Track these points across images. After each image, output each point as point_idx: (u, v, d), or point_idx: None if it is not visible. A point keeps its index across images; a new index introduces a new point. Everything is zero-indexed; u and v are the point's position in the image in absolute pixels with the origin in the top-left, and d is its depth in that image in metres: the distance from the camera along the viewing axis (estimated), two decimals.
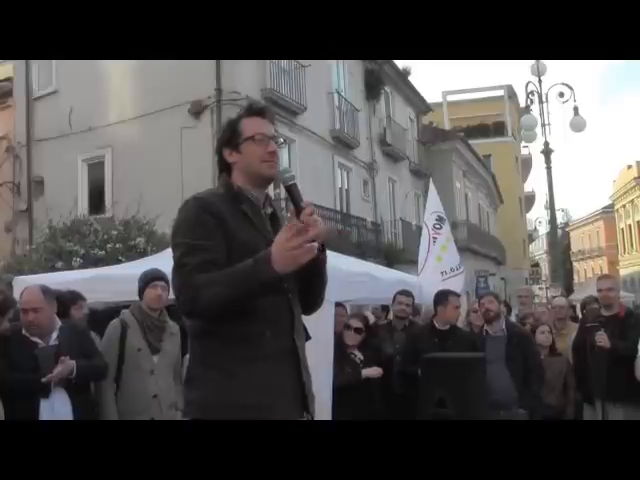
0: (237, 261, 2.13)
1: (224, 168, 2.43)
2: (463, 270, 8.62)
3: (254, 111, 2.42)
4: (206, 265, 2.15)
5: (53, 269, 9.05)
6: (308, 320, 2.50)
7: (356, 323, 5.60)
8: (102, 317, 5.29)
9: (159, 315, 4.60)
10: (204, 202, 2.27)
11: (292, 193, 2.24)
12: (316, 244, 2.04)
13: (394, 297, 6.29)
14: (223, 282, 2.09)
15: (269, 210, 2.45)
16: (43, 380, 3.93)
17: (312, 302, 2.50)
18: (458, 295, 6.12)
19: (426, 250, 8.58)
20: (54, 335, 4.17)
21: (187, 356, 3.37)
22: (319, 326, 4.50)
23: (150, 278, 4.58)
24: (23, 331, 4.13)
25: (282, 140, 2.52)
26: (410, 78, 24.72)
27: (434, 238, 8.66)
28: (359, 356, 5.43)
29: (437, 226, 8.81)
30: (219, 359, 2.20)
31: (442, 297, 5.83)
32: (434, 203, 9.12)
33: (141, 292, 4.59)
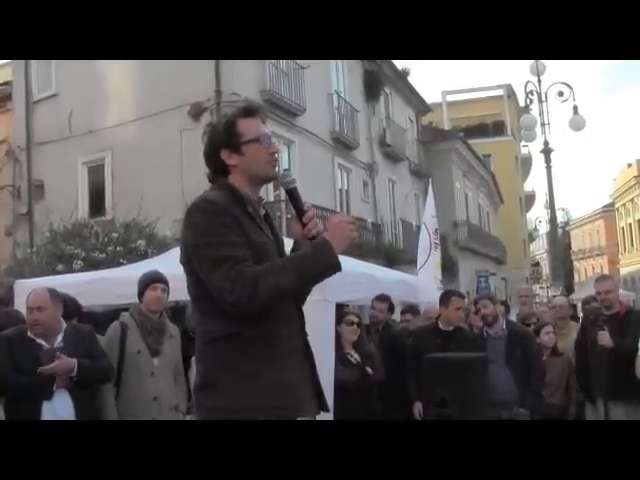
0: (253, 263, 2.16)
1: (219, 170, 2.40)
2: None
3: (250, 112, 2.41)
4: (247, 260, 2.17)
5: (54, 272, 9.05)
6: (310, 319, 2.51)
7: (354, 317, 5.55)
8: (102, 320, 5.28)
9: (159, 317, 4.59)
10: (217, 204, 2.24)
11: (293, 196, 2.28)
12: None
13: (372, 301, 6.32)
14: (283, 271, 2.14)
15: (262, 212, 2.46)
16: (38, 370, 3.92)
17: (302, 302, 2.49)
18: (462, 297, 6.08)
19: (427, 252, 8.56)
20: (59, 337, 4.16)
21: (193, 359, 3.35)
22: (320, 325, 4.50)
23: (150, 280, 4.58)
24: (28, 333, 4.13)
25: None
26: (409, 79, 24.70)
27: (435, 244, 8.69)
28: (355, 357, 5.40)
29: (438, 232, 8.89)
30: (240, 362, 2.19)
31: (445, 298, 5.81)
32: (433, 206, 9.14)
33: (141, 294, 4.58)
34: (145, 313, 4.54)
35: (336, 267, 2.18)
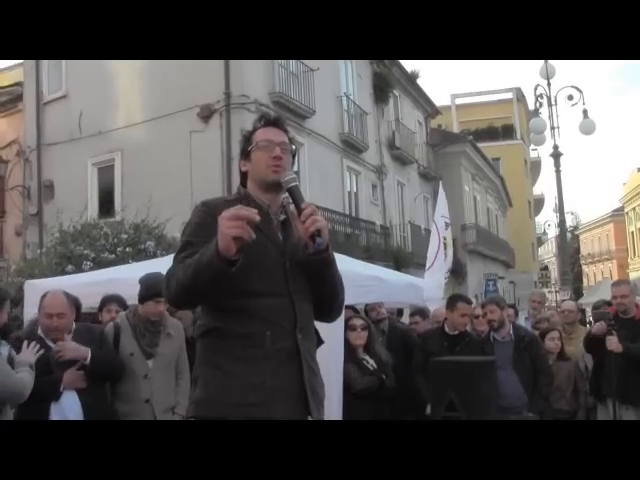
0: (242, 265, 2.11)
1: (242, 178, 2.54)
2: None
3: (265, 121, 2.54)
4: None
5: (63, 273, 9.09)
6: (318, 323, 2.51)
7: (359, 321, 5.43)
8: None
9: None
10: (210, 206, 2.37)
11: (293, 194, 2.30)
12: (252, 215, 2.06)
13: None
14: (183, 268, 2.20)
15: (281, 217, 2.48)
16: (54, 348, 4.03)
17: (327, 308, 2.52)
18: (470, 302, 6.03)
19: (436, 247, 8.70)
20: (68, 338, 4.16)
21: None
22: (329, 329, 4.50)
23: (153, 293, 4.31)
24: (39, 331, 4.15)
25: (293, 147, 2.58)
26: (418, 81, 24.70)
27: (444, 237, 8.94)
28: (371, 362, 5.28)
29: (445, 228, 9.09)
30: (218, 358, 2.27)
31: (451, 302, 5.76)
32: (444, 207, 9.31)
33: (143, 299, 4.45)
34: (140, 316, 4.45)
35: (209, 265, 2.08)
